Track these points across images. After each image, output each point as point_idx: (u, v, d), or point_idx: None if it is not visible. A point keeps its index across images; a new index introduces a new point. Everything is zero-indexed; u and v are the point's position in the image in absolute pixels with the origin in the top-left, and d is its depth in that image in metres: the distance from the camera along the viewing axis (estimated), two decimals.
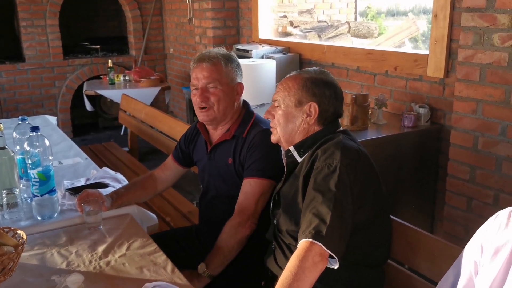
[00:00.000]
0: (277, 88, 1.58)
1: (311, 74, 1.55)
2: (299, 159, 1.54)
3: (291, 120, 1.53)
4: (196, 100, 1.81)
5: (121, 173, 2.26)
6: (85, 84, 5.43)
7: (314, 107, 1.50)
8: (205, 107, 1.79)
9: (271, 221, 1.66)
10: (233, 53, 1.89)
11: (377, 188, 1.47)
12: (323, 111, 1.51)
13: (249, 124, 1.83)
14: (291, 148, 1.55)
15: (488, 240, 1.00)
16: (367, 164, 1.45)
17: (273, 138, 1.61)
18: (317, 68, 1.61)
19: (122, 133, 5.89)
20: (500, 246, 0.97)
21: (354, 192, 1.37)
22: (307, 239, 1.28)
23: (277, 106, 1.55)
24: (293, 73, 1.59)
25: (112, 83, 5.20)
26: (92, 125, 6.46)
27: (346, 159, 1.38)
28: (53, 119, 3.60)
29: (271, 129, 1.61)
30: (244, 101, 1.91)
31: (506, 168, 2.22)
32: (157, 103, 5.43)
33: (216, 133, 1.89)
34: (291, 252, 1.46)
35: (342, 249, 1.32)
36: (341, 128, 1.57)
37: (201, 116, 1.83)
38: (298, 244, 1.30)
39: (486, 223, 1.03)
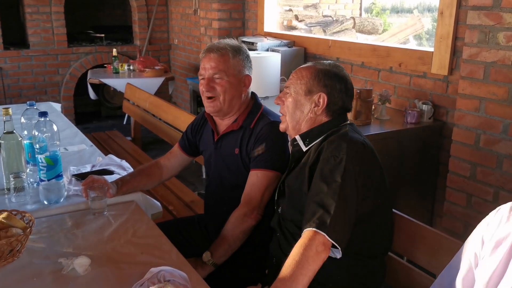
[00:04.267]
0: (290, 75, 1.61)
1: (325, 66, 1.57)
2: (304, 148, 1.56)
3: (299, 108, 1.56)
4: (202, 89, 1.83)
5: None
6: (89, 72, 5.44)
7: (323, 98, 1.53)
8: (212, 97, 1.81)
9: (276, 210, 1.68)
10: (243, 45, 1.89)
11: (381, 181, 1.49)
12: (331, 104, 1.54)
13: (257, 115, 1.85)
14: (297, 137, 1.58)
15: (489, 233, 1.02)
16: (372, 157, 1.47)
17: (282, 126, 1.63)
18: (332, 61, 1.64)
19: (125, 123, 5.90)
20: (501, 240, 0.99)
21: (358, 184, 1.39)
22: (311, 229, 1.31)
23: (288, 93, 1.58)
24: (309, 63, 1.62)
25: (116, 72, 5.21)
26: (94, 114, 6.48)
27: (352, 151, 1.40)
28: (57, 106, 3.62)
29: (280, 117, 1.63)
30: (253, 93, 1.93)
31: (507, 166, 2.24)
32: (161, 93, 5.43)
33: (223, 123, 1.91)
34: (296, 240, 1.48)
35: (345, 239, 1.34)
36: (348, 121, 1.59)
37: (207, 107, 1.85)
38: (302, 233, 1.33)
39: (487, 216, 1.05)
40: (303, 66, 1.62)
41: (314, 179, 1.42)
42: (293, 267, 1.24)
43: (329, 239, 1.29)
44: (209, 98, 1.82)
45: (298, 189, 1.53)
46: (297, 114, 1.56)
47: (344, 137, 1.45)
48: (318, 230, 1.29)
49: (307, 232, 1.31)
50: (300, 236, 1.35)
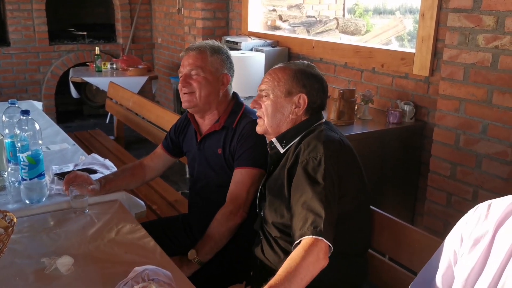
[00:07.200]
0: (264, 78, 1.59)
1: (300, 66, 1.57)
2: (281, 150, 1.56)
3: (279, 110, 1.54)
4: (180, 86, 1.85)
5: None
6: (71, 70, 5.38)
7: (303, 99, 1.53)
8: (188, 92, 1.82)
9: (258, 213, 1.69)
10: (225, 47, 1.91)
11: (360, 179, 1.50)
12: (311, 103, 1.54)
13: (238, 114, 1.86)
14: (274, 140, 1.56)
15: (468, 231, 1.03)
16: (349, 155, 1.48)
17: (259, 129, 1.61)
18: (304, 61, 1.63)
19: (107, 122, 5.85)
20: (479, 237, 1.01)
21: (336, 181, 1.40)
22: (310, 236, 1.29)
23: (265, 96, 1.56)
24: (281, 64, 1.60)
25: (99, 71, 5.17)
26: (76, 113, 6.40)
27: (328, 151, 1.41)
28: (39, 105, 3.57)
29: (258, 120, 1.62)
30: (234, 93, 1.94)
31: (486, 165, 2.29)
32: (144, 92, 5.40)
33: (205, 123, 1.91)
34: (277, 244, 1.48)
35: (332, 238, 1.35)
36: (324, 120, 1.59)
37: (184, 102, 1.86)
38: (302, 242, 1.31)
39: (466, 215, 1.07)
40: (276, 67, 1.59)
41: (295, 183, 1.42)
42: (294, 272, 1.22)
43: (327, 243, 1.29)
44: (185, 93, 1.83)
45: (278, 192, 1.53)
46: (278, 116, 1.54)
47: (319, 137, 1.45)
48: (317, 237, 1.28)
49: (307, 240, 1.29)
50: (281, 239, 1.34)
